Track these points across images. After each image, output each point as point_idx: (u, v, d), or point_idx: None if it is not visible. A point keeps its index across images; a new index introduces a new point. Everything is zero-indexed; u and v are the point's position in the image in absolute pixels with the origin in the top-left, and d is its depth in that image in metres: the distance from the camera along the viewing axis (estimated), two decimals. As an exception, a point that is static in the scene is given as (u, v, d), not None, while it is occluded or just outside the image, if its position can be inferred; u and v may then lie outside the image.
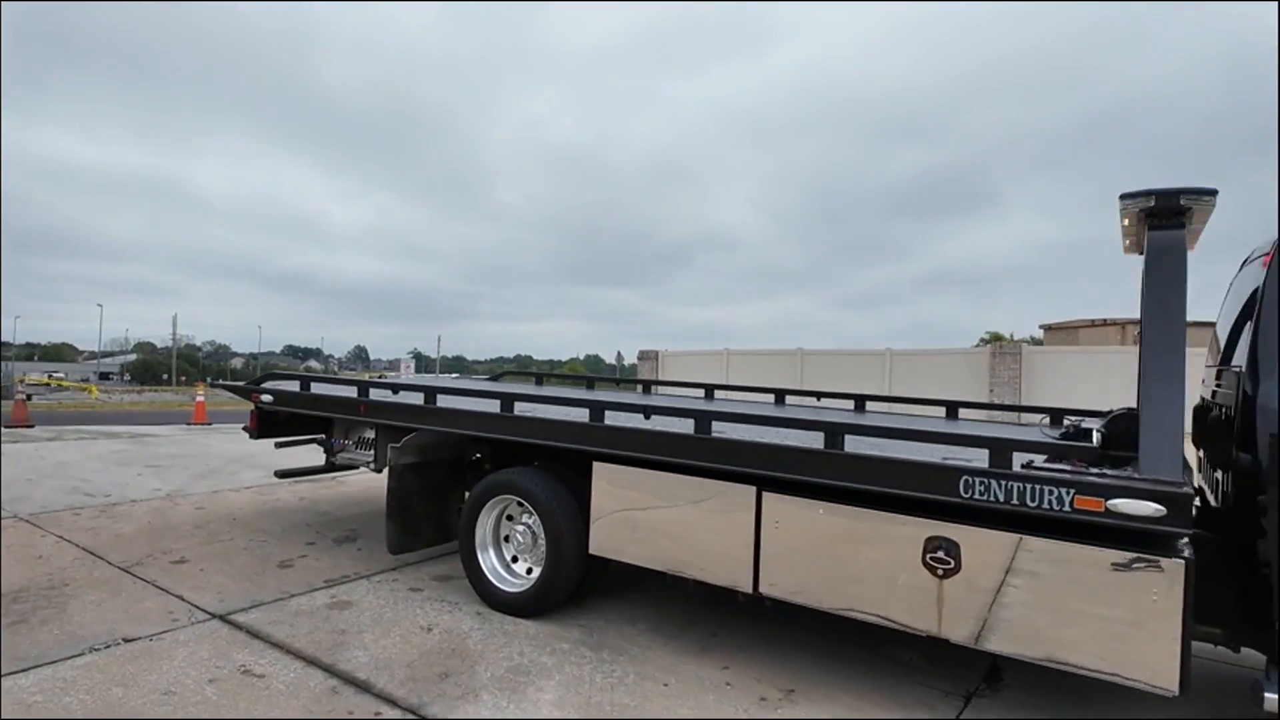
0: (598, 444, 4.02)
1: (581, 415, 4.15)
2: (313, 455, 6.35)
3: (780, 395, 6.96)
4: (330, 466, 6.77)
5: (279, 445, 6.41)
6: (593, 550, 4.14)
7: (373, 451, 5.46)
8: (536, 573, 4.35)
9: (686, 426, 3.75)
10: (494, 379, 8.52)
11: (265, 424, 6.19)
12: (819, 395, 7.06)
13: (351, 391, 5.32)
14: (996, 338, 51.18)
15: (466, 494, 4.98)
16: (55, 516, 6.55)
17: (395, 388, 5.18)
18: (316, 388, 5.61)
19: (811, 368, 22.50)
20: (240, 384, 6.24)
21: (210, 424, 16.59)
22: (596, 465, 4.11)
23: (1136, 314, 3.17)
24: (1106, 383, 17.56)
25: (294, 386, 5.68)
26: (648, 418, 4.23)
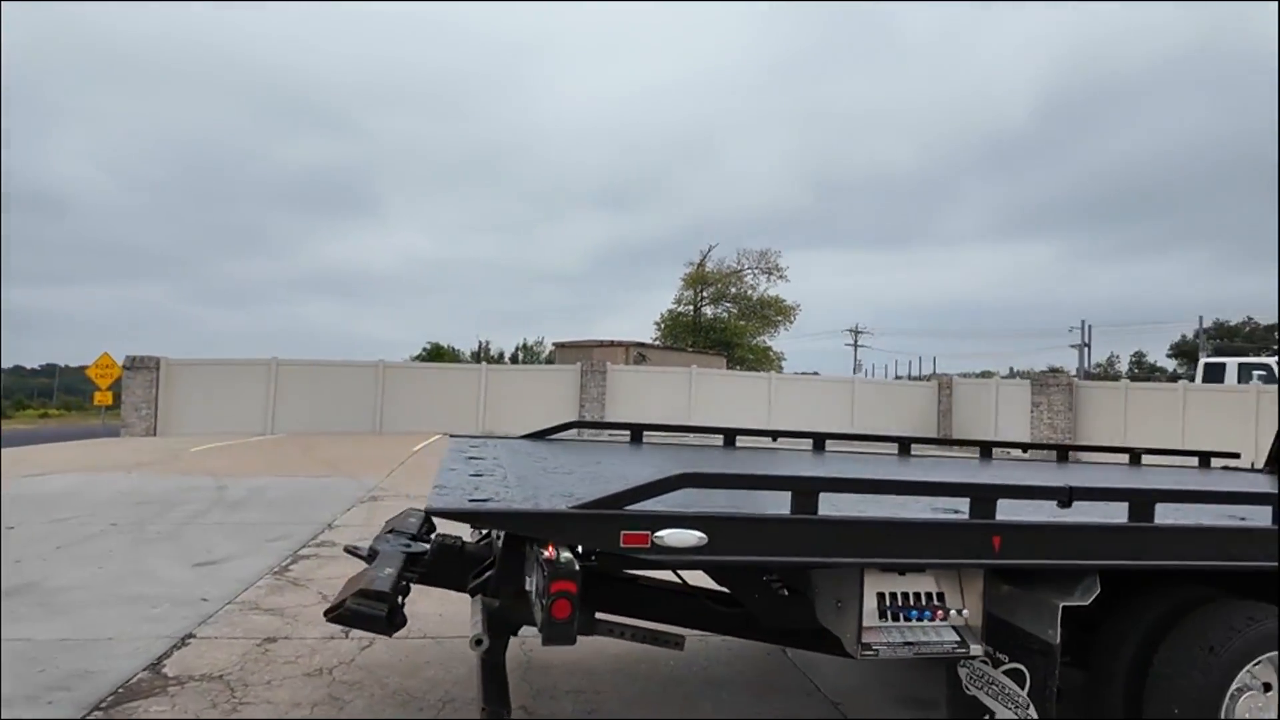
0: None
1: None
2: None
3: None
4: None
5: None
6: None
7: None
8: None
9: None
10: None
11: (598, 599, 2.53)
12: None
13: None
14: (437, 350, 53.31)
15: None
16: None
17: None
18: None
19: (394, 384, 19.64)
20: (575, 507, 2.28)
21: None
22: None
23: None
24: (677, 398, 20.53)
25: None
26: None
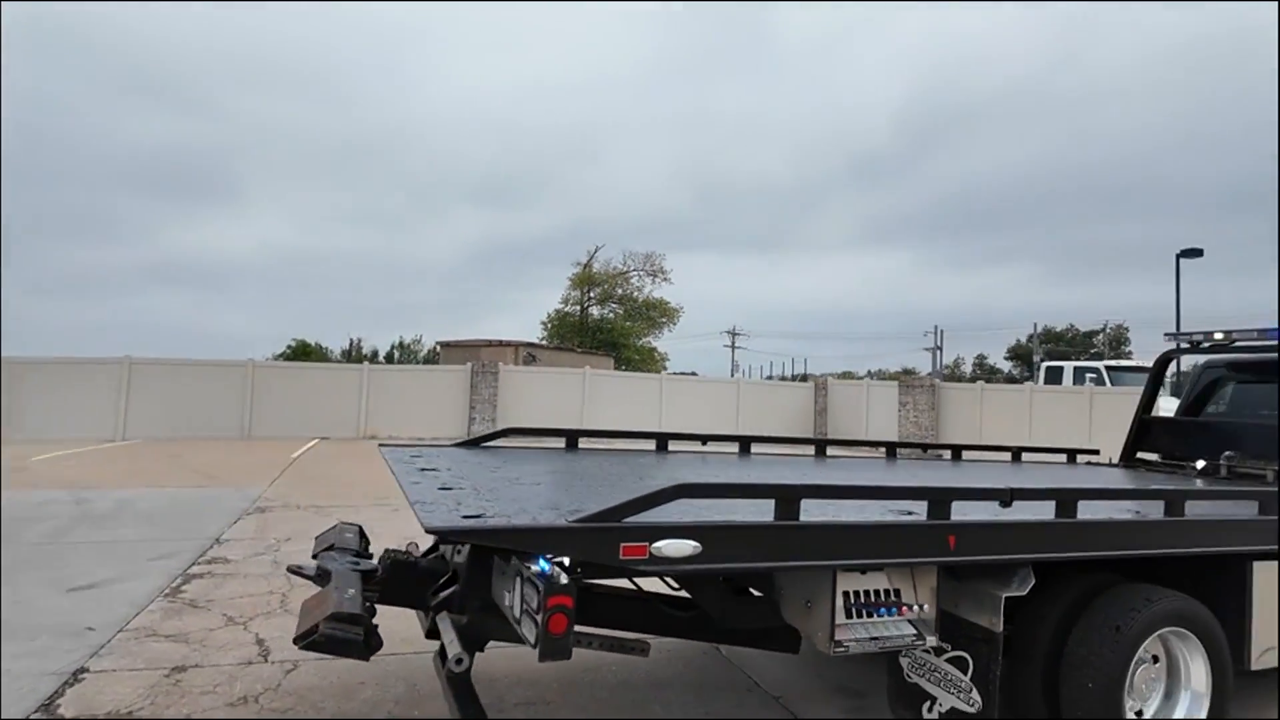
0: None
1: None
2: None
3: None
4: None
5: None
6: (1255, 667, 3.68)
7: None
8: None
9: None
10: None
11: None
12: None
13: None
14: (303, 347, 50.41)
15: None
16: None
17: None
18: None
19: (265, 386, 18.37)
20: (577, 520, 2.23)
21: None
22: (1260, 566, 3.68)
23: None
24: (570, 399, 20.49)
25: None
26: None
